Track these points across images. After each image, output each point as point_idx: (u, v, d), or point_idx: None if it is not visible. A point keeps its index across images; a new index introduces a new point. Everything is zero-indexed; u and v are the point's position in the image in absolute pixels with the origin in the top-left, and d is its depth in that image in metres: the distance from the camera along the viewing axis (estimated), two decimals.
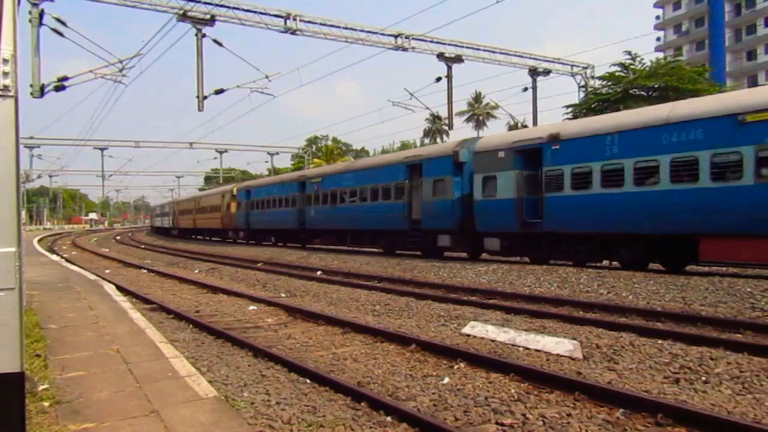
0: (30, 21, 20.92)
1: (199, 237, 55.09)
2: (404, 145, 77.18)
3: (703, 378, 6.72)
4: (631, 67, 36.54)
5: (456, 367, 7.47)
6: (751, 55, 66.96)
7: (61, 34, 21.51)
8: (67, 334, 8.68)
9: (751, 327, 9.10)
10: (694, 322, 9.71)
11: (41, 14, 21.03)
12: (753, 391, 6.22)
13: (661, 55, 57.31)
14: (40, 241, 50.02)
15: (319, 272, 19.88)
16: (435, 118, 62.41)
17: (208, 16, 23.10)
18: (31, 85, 21.37)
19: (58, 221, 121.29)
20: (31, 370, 6.31)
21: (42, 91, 21.51)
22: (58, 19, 21.28)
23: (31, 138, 52.68)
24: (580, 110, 36.23)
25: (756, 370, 6.79)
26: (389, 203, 23.47)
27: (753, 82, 61.51)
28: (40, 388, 5.74)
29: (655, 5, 79.32)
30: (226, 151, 63.10)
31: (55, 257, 29.41)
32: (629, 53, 36.74)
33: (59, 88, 22.10)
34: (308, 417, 5.57)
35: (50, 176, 79.43)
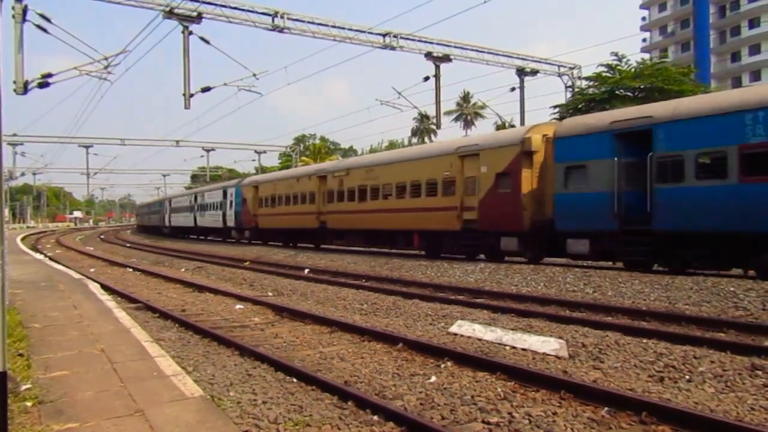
0: (13, 17, 20.66)
1: (329, 247, 29.26)
2: (392, 145, 77.29)
3: (687, 376, 6.79)
4: (617, 68, 36.82)
5: (443, 366, 7.49)
6: (736, 56, 67.72)
7: (45, 30, 21.25)
8: (50, 333, 8.59)
9: (734, 326, 9.21)
10: (679, 321, 9.81)
11: (25, 10, 20.77)
12: (735, 390, 6.30)
13: (646, 56, 57.86)
14: (23, 239, 49.42)
15: (306, 271, 19.83)
16: (423, 118, 62.55)
17: (194, 14, 22.96)
18: (15, 82, 21.15)
19: (41, 219, 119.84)
20: (13, 369, 6.23)
21: (25, 88, 21.27)
22: (42, 15, 21.03)
23: (15, 135, 52.16)
24: (566, 110, 36.46)
25: (738, 369, 6.88)
26: None
27: (737, 84, 62.25)
28: (23, 387, 5.67)
29: (641, 6, 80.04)
30: (213, 149, 62.89)
31: (38, 256, 29.10)
32: (615, 54, 37.04)
33: (43, 85, 21.85)
34: (295, 416, 5.56)
35: (34, 174, 78.90)
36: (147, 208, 74.63)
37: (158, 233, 62.27)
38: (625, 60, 36.91)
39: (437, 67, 28.69)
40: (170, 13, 22.38)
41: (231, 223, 38.96)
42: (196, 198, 47.26)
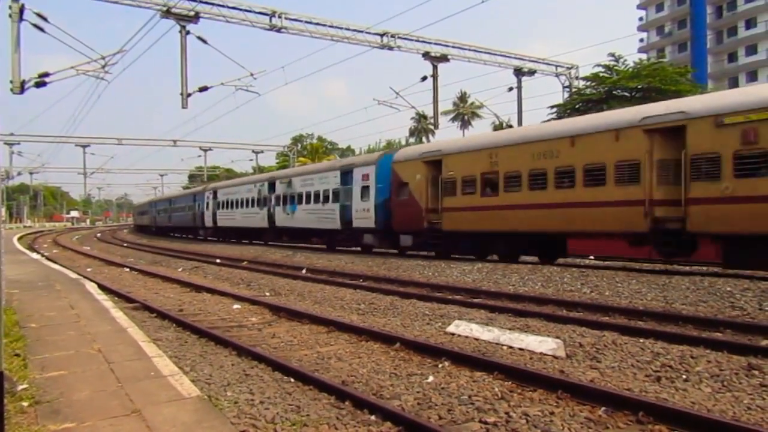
0: (10, 16, 20.65)
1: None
2: (389, 144, 77.35)
3: (684, 376, 6.80)
4: (615, 68, 36.90)
5: (440, 365, 7.49)
6: (733, 57, 67.88)
7: (42, 29, 21.23)
8: (47, 333, 8.57)
9: (731, 326, 9.22)
10: (676, 320, 9.82)
11: (21, 9, 20.76)
12: (732, 389, 6.31)
13: (644, 56, 57.96)
14: (20, 239, 49.33)
15: (303, 271, 19.82)
16: (421, 117, 62.63)
17: (192, 13, 22.95)
18: (11, 81, 21.10)
19: (38, 219, 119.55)
20: (10, 369, 6.22)
21: (22, 87, 21.25)
22: (39, 15, 21.01)
23: (12, 134, 52.16)
24: (564, 110, 36.54)
25: (735, 368, 6.89)
26: None
27: (734, 84, 62.38)
28: (20, 387, 5.66)
29: (639, 6, 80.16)
30: (210, 149, 62.82)
31: (35, 255, 29.04)
32: (613, 55, 37.13)
33: (40, 84, 21.83)
34: (292, 416, 5.56)
35: (31, 173, 78.71)
36: (167, 204, 57.60)
37: (181, 235, 51.70)
38: (622, 60, 37.04)
39: (435, 67, 28.72)
40: (167, 13, 22.37)
41: (363, 222, 23.91)
42: (272, 186, 32.49)
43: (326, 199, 26.71)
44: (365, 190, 23.77)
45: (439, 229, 20.13)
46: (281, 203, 31.14)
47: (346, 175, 25.45)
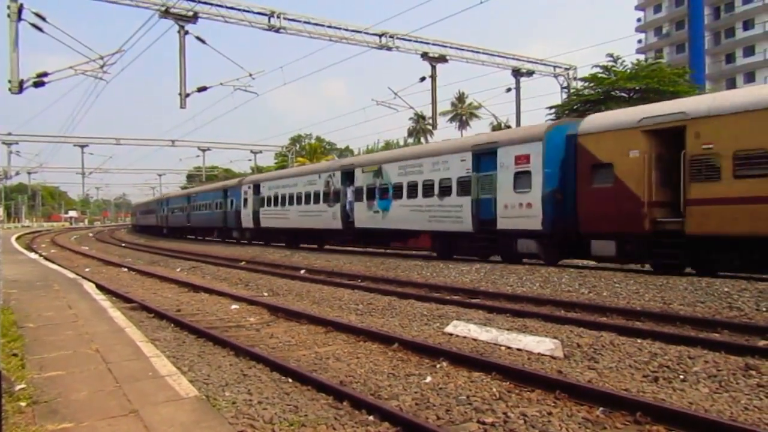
0: (8, 16, 20.62)
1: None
2: (388, 145, 77.40)
3: (682, 376, 6.81)
4: (613, 69, 36.92)
5: (438, 366, 7.49)
6: (730, 58, 68.04)
7: (40, 29, 21.21)
8: (45, 333, 8.56)
9: (728, 326, 9.24)
10: (673, 321, 9.83)
11: (20, 9, 20.73)
12: (729, 390, 6.33)
13: (642, 56, 58.02)
14: (18, 238, 49.27)
15: (302, 271, 19.82)
16: (419, 118, 62.65)
17: (190, 13, 22.90)
18: (10, 81, 21.06)
19: (36, 219, 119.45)
20: (7, 369, 6.21)
21: (21, 87, 21.21)
22: (37, 14, 20.99)
23: (10, 134, 52.12)
24: (562, 111, 36.54)
25: (732, 369, 6.90)
26: None
27: (731, 85, 62.50)
28: (17, 387, 5.66)
29: (637, 7, 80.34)
30: (209, 149, 62.74)
31: (33, 255, 29.00)
32: (611, 56, 37.14)
33: (38, 84, 21.80)
34: (290, 416, 5.56)
35: (29, 173, 78.53)
36: (183, 201, 49.99)
37: (196, 237, 46.76)
38: (620, 61, 37.04)
39: (433, 68, 28.69)
40: (166, 13, 22.32)
41: (517, 222, 17.30)
42: (348, 176, 25.68)
43: (445, 192, 19.95)
44: (522, 177, 17.21)
45: (677, 230, 13.75)
46: (364, 198, 24.11)
47: (483, 157, 18.77)
